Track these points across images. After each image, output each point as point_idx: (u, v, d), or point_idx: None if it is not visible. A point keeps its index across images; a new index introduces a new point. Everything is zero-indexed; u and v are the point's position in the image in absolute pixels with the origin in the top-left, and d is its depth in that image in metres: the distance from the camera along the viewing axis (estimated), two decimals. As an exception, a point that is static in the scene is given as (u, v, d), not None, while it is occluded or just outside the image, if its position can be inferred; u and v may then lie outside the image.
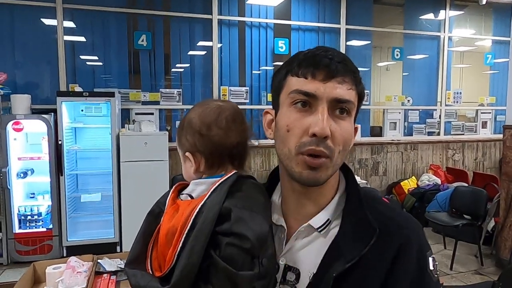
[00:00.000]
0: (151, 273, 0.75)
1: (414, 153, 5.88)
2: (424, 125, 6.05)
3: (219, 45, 4.98)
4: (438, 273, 0.72)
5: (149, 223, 0.79)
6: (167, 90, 4.80)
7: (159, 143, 4.12)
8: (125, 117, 4.55)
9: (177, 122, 4.84)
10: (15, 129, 3.86)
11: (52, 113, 3.91)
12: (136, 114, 4.62)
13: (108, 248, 3.94)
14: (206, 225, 0.69)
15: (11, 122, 3.79)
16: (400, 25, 6.06)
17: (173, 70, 4.98)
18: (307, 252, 0.74)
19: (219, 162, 0.81)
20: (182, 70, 4.97)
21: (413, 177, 5.69)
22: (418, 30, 5.96)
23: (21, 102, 3.90)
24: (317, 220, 0.74)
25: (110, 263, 2.21)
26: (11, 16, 4.27)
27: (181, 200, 0.80)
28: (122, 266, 2.22)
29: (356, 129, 0.75)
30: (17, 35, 4.29)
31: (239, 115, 0.85)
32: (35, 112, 3.99)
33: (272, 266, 0.74)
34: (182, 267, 0.67)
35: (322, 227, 0.74)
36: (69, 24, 4.45)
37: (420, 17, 5.98)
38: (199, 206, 0.72)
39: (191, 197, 0.78)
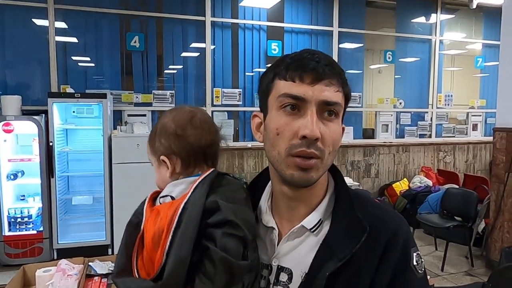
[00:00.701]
0: None
1: (406, 155, 5.92)
2: (416, 127, 6.10)
3: (212, 46, 4.97)
4: (423, 269, 0.73)
5: (130, 233, 0.79)
6: (160, 91, 4.78)
7: (151, 144, 4.09)
8: (117, 118, 4.52)
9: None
10: (5, 131, 3.81)
11: (43, 115, 3.87)
12: (129, 115, 4.59)
13: (99, 251, 3.91)
14: (193, 219, 0.70)
15: (1, 124, 3.75)
16: (392, 28, 6.11)
17: (166, 71, 4.97)
18: (299, 252, 0.75)
19: (195, 162, 0.84)
20: (175, 71, 4.96)
21: (405, 179, 5.73)
22: (409, 33, 6.02)
23: (11, 103, 3.85)
24: (310, 221, 0.76)
25: (101, 266, 2.19)
26: (1, 16, 4.22)
27: (160, 204, 0.80)
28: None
29: (343, 129, 0.77)
30: (8, 35, 4.25)
31: (209, 118, 0.90)
32: (26, 113, 3.95)
33: (257, 259, 0.76)
34: (173, 261, 0.67)
35: (315, 227, 0.75)
36: (61, 24, 4.41)
37: (412, 21, 6.04)
38: (183, 203, 0.73)
39: (172, 198, 0.79)
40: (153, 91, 4.74)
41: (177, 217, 0.71)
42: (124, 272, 0.76)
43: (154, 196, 0.84)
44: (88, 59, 4.59)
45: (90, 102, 4.05)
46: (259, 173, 0.88)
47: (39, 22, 4.35)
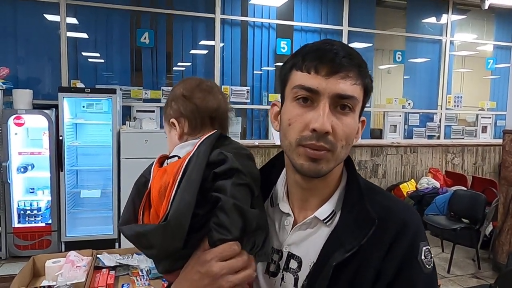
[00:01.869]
0: None
1: (414, 156, 5.89)
2: (424, 128, 6.06)
3: (221, 44, 4.99)
4: (431, 265, 0.72)
5: (138, 190, 0.81)
6: (169, 88, 4.81)
7: (159, 140, 4.11)
8: (126, 114, 4.56)
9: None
10: (16, 124, 3.86)
11: (54, 109, 3.92)
12: (137, 111, 4.63)
13: (106, 245, 3.95)
14: (197, 167, 0.72)
15: (12, 117, 3.80)
16: (402, 28, 6.08)
17: (175, 68, 5.00)
18: (309, 242, 0.76)
19: (201, 124, 0.87)
20: (183, 68, 4.99)
21: (412, 180, 5.70)
22: (420, 34, 5.98)
23: (22, 97, 3.91)
24: (323, 212, 0.76)
25: (109, 258, 2.22)
26: (14, 11, 4.27)
27: (168, 164, 0.82)
28: (122, 262, 2.23)
29: (363, 122, 0.76)
30: (20, 30, 4.30)
31: (217, 86, 0.93)
32: (37, 107, 4.00)
33: (265, 219, 0.78)
34: (177, 204, 0.68)
35: (327, 219, 0.76)
36: (72, 20, 4.46)
37: (422, 21, 6.00)
38: (188, 158, 0.74)
39: (178, 157, 0.81)
40: (162, 88, 4.77)
41: (182, 168, 0.72)
42: (129, 223, 0.77)
43: (162, 160, 0.85)
44: (98, 54, 4.63)
45: (100, 98, 4.09)
46: (276, 155, 0.87)
47: (50, 17, 4.40)
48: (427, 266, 0.71)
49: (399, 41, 6.21)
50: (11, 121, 3.81)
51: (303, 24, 5.32)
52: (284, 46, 5.22)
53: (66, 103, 3.95)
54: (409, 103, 5.98)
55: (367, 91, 0.73)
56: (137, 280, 2.14)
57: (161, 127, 4.59)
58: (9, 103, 3.95)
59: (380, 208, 0.73)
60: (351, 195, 0.76)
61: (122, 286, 2.08)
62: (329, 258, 0.70)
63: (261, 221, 0.75)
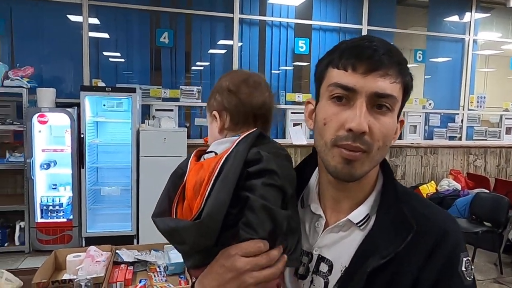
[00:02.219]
0: None
1: (434, 157, 5.78)
2: (446, 129, 5.94)
3: (239, 44, 5.01)
4: (472, 277, 0.69)
5: (173, 182, 0.80)
6: (187, 87, 4.86)
7: (177, 139, 4.17)
8: (145, 112, 4.63)
9: (196, 119, 4.90)
10: (40, 122, 3.97)
11: (76, 107, 4.01)
12: (156, 110, 4.69)
13: (125, 241, 4.02)
14: (234, 167, 0.70)
15: (36, 115, 3.91)
16: (424, 27, 5.96)
17: (193, 68, 5.04)
18: (342, 245, 0.74)
19: (243, 120, 0.84)
20: (202, 68, 5.03)
21: (432, 181, 5.59)
22: (442, 32, 5.85)
23: (46, 95, 4.02)
24: (357, 215, 0.74)
25: (127, 254, 2.26)
26: (39, 12, 4.40)
27: (204, 159, 0.81)
28: (140, 257, 2.27)
29: (402, 122, 0.74)
30: (44, 30, 4.42)
31: (265, 82, 0.88)
32: (60, 106, 4.11)
33: (298, 223, 0.76)
34: (211, 203, 0.68)
35: (362, 222, 0.73)
36: (94, 20, 4.55)
37: (445, 19, 5.87)
38: (225, 156, 0.73)
39: (215, 154, 0.79)
40: (180, 87, 4.82)
41: (218, 166, 0.71)
42: (163, 215, 0.76)
43: (199, 154, 0.84)
44: (119, 54, 4.72)
45: (120, 96, 4.17)
46: (311, 154, 0.85)
47: (73, 18, 4.50)
48: (468, 278, 0.68)
49: (419, 40, 6.10)
50: (35, 119, 3.92)
51: (322, 23, 5.28)
52: (302, 46, 5.20)
53: (88, 102, 4.04)
54: (429, 103, 5.86)
55: (407, 90, 0.70)
56: (154, 276, 2.17)
57: (180, 125, 4.65)
58: (33, 102, 4.07)
59: (417, 214, 0.70)
60: (388, 199, 0.73)
61: (140, 281, 2.11)
62: (362, 264, 0.68)
63: (292, 223, 0.73)
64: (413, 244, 0.67)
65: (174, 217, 0.76)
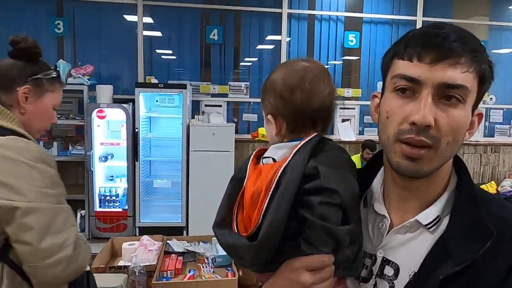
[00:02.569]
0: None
1: (495, 156, 5.40)
2: (509, 126, 5.52)
3: (288, 39, 4.98)
4: None
5: (233, 187, 0.78)
6: (235, 83, 4.92)
7: (226, 134, 4.25)
8: (195, 108, 4.76)
9: (244, 115, 4.96)
10: (98, 117, 4.23)
11: (131, 103, 4.22)
12: (205, 105, 4.81)
13: (175, 231, 4.18)
14: (291, 183, 0.67)
15: (95, 110, 4.16)
16: (485, 16, 5.56)
17: (241, 64, 5.10)
18: (409, 249, 0.69)
19: (301, 126, 0.78)
20: (250, 64, 5.07)
21: (493, 182, 5.24)
22: (506, 22, 5.43)
23: (105, 92, 4.26)
24: (426, 216, 0.69)
25: (178, 245, 2.35)
26: (97, 13, 4.67)
27: (262, 164, 0.78)
28: (189, 248, 2.35)
29: (479, 115, 0.68)
30: (103, 31, 4.69)
31: (324, 76, 0.79)
32: (116, 102, 4.34)
33: (360, 233, 0.72)
34: (268, 224, 0.67)
35: (432, 224, 0.68)
36: (148, 20, 4.75)
37: (510, 7, 5.44)
38: (283, 167, 0.69)
39: (274, 160, 0.77)
40: (229, 83, 4.90)
41: (275, 180, 0.68)
42: (224, 223, 0.76)
43: (258, 155, 0.81)
44: (170, 52, 4.89)
45: (172, 92, 4.32)
46: (379, 151, 0.79)
47: (129, 18, 4.72)
48: None
49: (480, 30, 5.69)
50: (94, 114, 4.17)
51: (373, 15, 5.11)
52: (352, 39, 5.06)
53: (142, 98, 4.23)
54: (491, 98, 5.48)
55: (484, 79, 0.64)
56: (203, 267, 2.24)
57: (228, 121, 4.73)
58: (93, 98, 4.33)
59: (497, 219, 0.64)
60: (463, 201, 0.68)
61: (189, 271, 2.19)
62: (434, 269, 0.64)
63: (354, 236, 0.71)
64: (492, 252, 0.61)
65: (235, 224, 0.75)
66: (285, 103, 0.77)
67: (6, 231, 1.02)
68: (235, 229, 0.75)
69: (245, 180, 0.76)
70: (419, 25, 5.15)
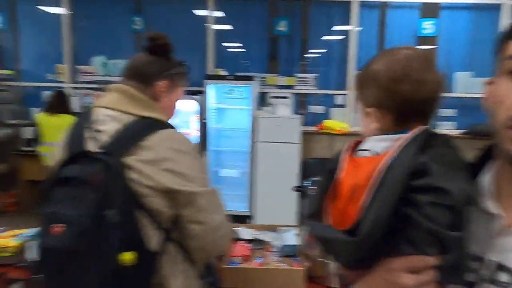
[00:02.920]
0: None
1: None
2: None
3: (358, 29, 4.82)
4: None
5: (326, 179, 0.76)
6: (303, 74, 4.88)
7: (292, 126, 4.25)
8: (262, 99, 4.82)
9: (310, 107, 4.92)
10: (172, 108, 4.44)
11: (200, 95, 4.38)
12: (272, 97, 4.84)
13: (241, 220, 4.28)
14: (399, 179, 0.64)
15: (169, 102, 4.38)
16: None
17: (309, 55, 5.04)
18: None
19: (406, 119, 0.74)
20: (318, 55, 4.99)
21: None
22: None
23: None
24: None
25: (246, 232, 2.41)
26: (168, 8, 4.90)
27: (359, 156, 0.75)
28: (257, 236, 2.40)
29: None
30: (173, 25, 4.90)
31: (430, 64, 0.74)
32: (187, 93, 4.52)
33: (467, 238, 0.66)
34: (373, 220, 0.64)
35: None
36: (217, 13, 4.88)
37: None
38: (389, 162, 0.65)
39: (374, 152, 0.73)
40: (296, 74, 4.87)
41: (379, 175, 0.65)
42: (317, 215, 0.74)
43: (354, 145, 0.78)
44: (238, 44, 4.98)
45: (240, 84, 4.41)
46: (487, 146, 0.73)
47: (198, 12, 4.89)
48: None
49: None
50: (168, 105, 4.39)
51: (452, 0, 4.75)
52: (428, 27, 4.76)
53: (211, 89, 4.37)
54: None
55: None
56: (270, 255, 2.28)
57: (294, 112, 4.72)
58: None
59: None
60: None
61: (256, 259, 2.23)
62: None
63: (464, 241, 0.65)
64: None
65: (327, 217, 0.73)
66: (390, 95, 0.73)
67: (183, 213, 1.16)
68: (327, 221, 0.73)
69: (339, 172, 0.73)
70: (504, 9, 4.69)
